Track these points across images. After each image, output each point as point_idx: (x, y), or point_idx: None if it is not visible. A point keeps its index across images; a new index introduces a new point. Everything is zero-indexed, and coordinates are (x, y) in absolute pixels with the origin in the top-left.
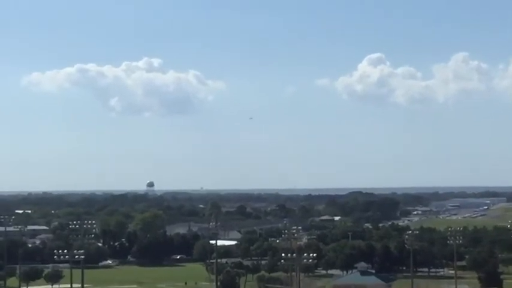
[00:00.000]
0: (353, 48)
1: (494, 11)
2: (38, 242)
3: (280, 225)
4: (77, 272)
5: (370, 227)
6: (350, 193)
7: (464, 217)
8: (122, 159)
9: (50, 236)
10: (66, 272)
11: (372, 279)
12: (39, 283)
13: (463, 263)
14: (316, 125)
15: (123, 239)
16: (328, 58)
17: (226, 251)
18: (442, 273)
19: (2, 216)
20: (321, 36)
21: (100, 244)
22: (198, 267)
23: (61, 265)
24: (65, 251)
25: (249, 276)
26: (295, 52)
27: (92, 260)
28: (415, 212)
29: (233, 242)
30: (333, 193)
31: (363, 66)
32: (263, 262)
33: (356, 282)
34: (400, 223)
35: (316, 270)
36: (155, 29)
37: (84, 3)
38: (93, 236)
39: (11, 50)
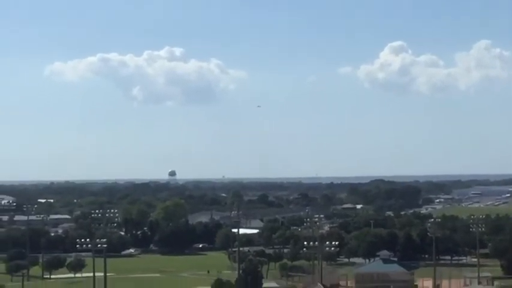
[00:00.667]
0: (375, 37)
1: None
2: (60, 231)
3: (302, 213)
4: (100, 261)
5: (392, 215)
6: (372, 181)
7: (487, 205)
8: (144, 148)
9: (73, 225)
10: (88, 261)
11: (394, 267)
12: (62, 272)
13: (486, 250)
14: (338, 113)
15: (145, 228)
16: (350, 46)
17: (248, 240)
18: (464, 261)
19: (24, 206)
20: (342, 24)
21: (122, 233)
22: (220, 256)
23: (83, 254)
24: (88, 240)
25: (272, 264)
26: (316, 41)
27: (114, 249)
28: (437, 200)
29: (255, 231)
30: (355, 181)
31: (385, 54)
32: (285, 250)
33: (378, 270)
34: (423, 211)
35: (338, 259)
36: (177, 18)
37: None
38: (115, 225)
39: (34, 40)
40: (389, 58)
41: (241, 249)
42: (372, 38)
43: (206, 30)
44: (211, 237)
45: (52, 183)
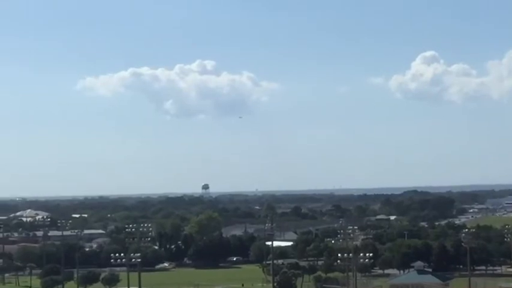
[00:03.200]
0: (406, 47)
1: None
2: (94, 245)
3: (336, 225)
4: (134, 276)
5: (426, 225)
6: (405, 192)
7: None
8: (177, 162)
9: (107, 239)
10: (123, 275)
11: (429, 278)
12: (97, 287)
13: None
14: (370, 124)
15: (179, 242)
16: (382, 57)
17: (282, 252)
18: (499, 271)
19: (59, 221)
20: (374, 34)
21: (156, 247)
22: (254, 269)
23: (118, 269)
24: (122, 254)
25: (306, 277)
26: (348, 51)
27: (149, 263)
28: (471, 210)
29: (289, 243)
30: (388, 192)
31: (417, 64)
32: (319, 262)
33: (413, 282)
34: (456, 221)
35: (372, 270)
36: (208, 31)
37: (136, 6)
38: (149, 239)
39: (66, 54)
40: (421, 68)
41: (275, 261)
42: (403, 48)
43: (237, 43)
44: (245, 250)
45: (86, 198)
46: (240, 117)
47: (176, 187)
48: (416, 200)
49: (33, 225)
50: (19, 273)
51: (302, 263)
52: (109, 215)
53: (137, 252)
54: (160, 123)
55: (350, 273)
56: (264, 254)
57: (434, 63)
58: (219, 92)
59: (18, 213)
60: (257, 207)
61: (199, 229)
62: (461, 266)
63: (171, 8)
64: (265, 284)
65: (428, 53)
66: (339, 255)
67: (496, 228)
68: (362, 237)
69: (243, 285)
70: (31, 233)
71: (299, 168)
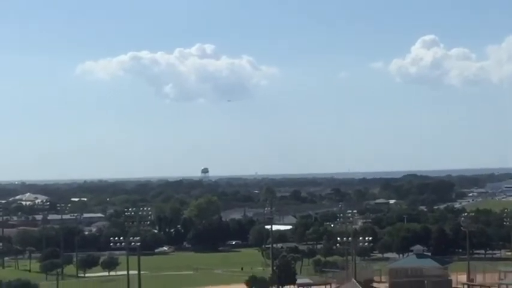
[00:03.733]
0: (406, 31)
1: None
2: (94, 229)
3: (335, 209)
4: (133, 259)
5: (425, 209)
6: (405, 176)
7: None
8: (176, 145)
9: (106, 223)
10: (122, 259)
11: (428, 262)
12: (96, 270)
13: None
14: (369, 108)
15: (179, 226)
16: (381, 41)
17: (281, 236)
18: (498, 255)
19: (58, 205)
20: (373, 18)
21: (156, 231)
22: (253, 253)
23: (117, 252)
24: (121, 238)
25: (305, 260)
26: (347, 36)
27: (148, 247)
28: (470, 194)
29: (288, 227)
30: (387, 176)
31: (416, 48)
32: (319, 246)
33: (412, 265)
34: (456, 205)
35: (371, 254)
36: (207, 15)
37: None
38: (148, 222)
39: (65, 39)
40: (421, 52)
41: (274, 245)
42: (403, 32)
43: (237, 27)
44: (244, 234)
45: (85, 181)
46: (228, 101)
47: (175, 171)
48: (416, 184)
49: (33, 209)
50: (18, 256)
51: (301, 247)
52: (108, 199)
53: (136, 236)
54: (160, 107)
55: (349, 257)
56: (264, 237)
57: (434, 47)
58: (218, 75)
59: (17, 197)
60: (256, 191)
61: (198, 213)
62: (460, 250)
63: None
64: (264, 268)
65: (428, 37)
66: (338, 239)
67: (496, 212)
68: (361, 221)
69: (242, 268)
70: (30, 217)
71: (298, 152)
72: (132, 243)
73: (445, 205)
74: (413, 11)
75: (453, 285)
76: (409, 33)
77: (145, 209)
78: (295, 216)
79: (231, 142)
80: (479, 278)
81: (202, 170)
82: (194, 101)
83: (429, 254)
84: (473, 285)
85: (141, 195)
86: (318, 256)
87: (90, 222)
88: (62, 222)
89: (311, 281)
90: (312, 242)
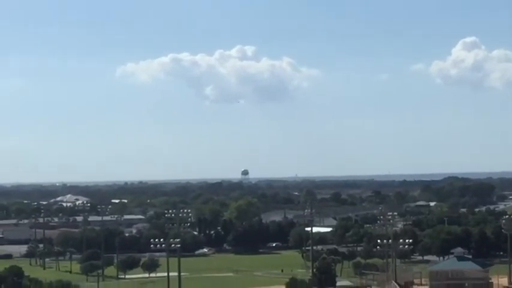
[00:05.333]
0: (447, 33)
1: None
2: (134, 231)
3: (375, 211)
4: (174, 261)
5: (466, 212)
6: (445, 178)
7: None
8: (217, 147)
9: (146, 225)
10: (162, 260)
11: (469, 265)
12: (136, 272)
13: None
14: (410, 110)
15: (219, 227)
16: (422, 43)
17: (321, 238)
18: None
19: (99, 206)
20: (414, 20)
21: (196, 233)
22: (293, 255)
23: (157, 254)
24: (161, 240)
25: (345, 263)
26: (388, 38)
27: (188, 249)
28: (511, 197)
29: (328, 229)
30: (428, 178)
31: (457, 50)
32: (359, 248)
33: (453, 268)
34: (497, 208)
35: (412, 256)
36: (248, 17)
37: None
38: (188, 224)
39: (106, 41)
40: (462, 54)
41: (314, 247)
42: (444, 34)
43: (277, 29)
44: (284, 236)
45: (126, 183)
46: (238, 102)
47: (215, 173)
48: (457, 186)
49: (73, 210)
50: (59, 258)
51: (341, 249)
52: (148, 201)
53: (177, 238)
54: (200, 108)
55: (389, 260)
56: (304, 239)
57: (475, 49)
58: (259, 77)
59: (58, 199)
60: (296, 193)
61: (238, 215)
62: (501, 253)
63: None
64: (304, 270)
65: (469, 39)
66: (378, 241)
67: None
68: (402, 223)
69: (282, 270)
70: (71, 218)
71: (339, 154)
72: (172, 245)
73: (486, 208)
74: (454, 12)
75: None
76: (450, 35)
77: (185, 210)
78: (335, 219)
79: (271, 144)
80: None
81: (242, 171)
82: (234, 103)
83: (470, 256)
84: None
85: (181, 197)
86: (358, 258)
87: (130, 223)
88: (103, 223)
89: (351, 284)
90: (352, 244)
